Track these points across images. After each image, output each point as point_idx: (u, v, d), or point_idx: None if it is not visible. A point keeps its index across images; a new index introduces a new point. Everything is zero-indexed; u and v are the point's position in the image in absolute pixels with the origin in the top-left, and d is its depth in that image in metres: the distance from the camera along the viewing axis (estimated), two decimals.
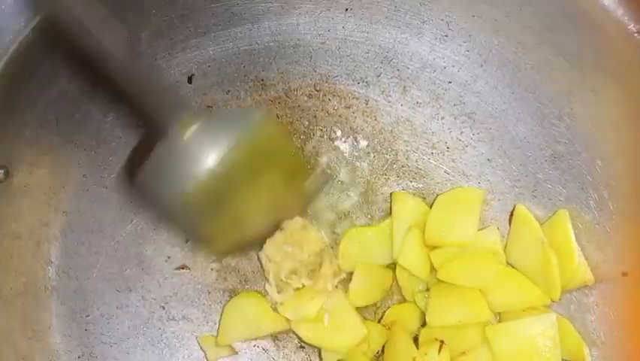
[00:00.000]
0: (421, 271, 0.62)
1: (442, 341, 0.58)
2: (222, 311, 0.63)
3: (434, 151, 0.66)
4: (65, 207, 0.62)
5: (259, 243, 0.62)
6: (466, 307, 0.59)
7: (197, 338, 0.63)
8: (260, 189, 0.54)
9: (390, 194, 0.65)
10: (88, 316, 0.62)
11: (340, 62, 0.65)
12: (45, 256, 0.61)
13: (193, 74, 0.64)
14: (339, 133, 0.66)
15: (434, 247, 0.62)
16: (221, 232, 0.55)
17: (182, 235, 0.63)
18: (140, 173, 0.50)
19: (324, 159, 0.66)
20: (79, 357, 0.61)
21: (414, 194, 0.65)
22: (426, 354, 0.58)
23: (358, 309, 0.62)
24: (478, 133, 0.65)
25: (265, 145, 0.52)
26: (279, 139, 0.56)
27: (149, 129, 0.55)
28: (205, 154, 0.48)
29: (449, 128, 0.65)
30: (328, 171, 0.64)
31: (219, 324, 0.63)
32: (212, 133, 0.49)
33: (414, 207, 0.64)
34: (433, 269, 0.62)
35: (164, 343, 0.63)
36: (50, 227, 0.61)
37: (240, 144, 0.49)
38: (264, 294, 0.63)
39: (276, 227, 0.62)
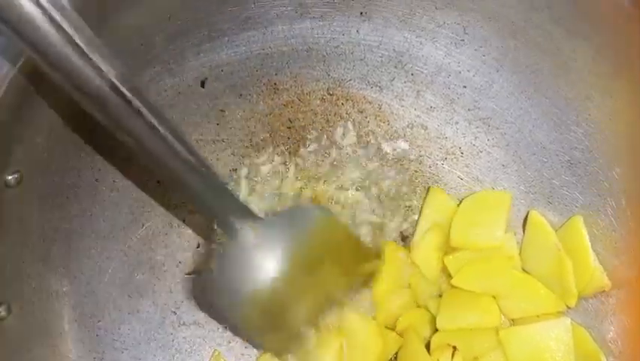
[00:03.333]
0: (429, 270, 0.61)
1: (454, 347, 0.58)
2: None
3: (448, 156, 0.65)
4: (77, 212, 0.61)
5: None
6: (477, 311, 0.59)
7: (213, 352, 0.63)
8: (318, 282, 0.55)
9: (429, 187, 0.65)
10: (99, 321, 0.62)
11: (354, 66, 0.65)
12: (57, 260, 0.61)
13: (206, 78, 0.63)
14: (352, 138, 0.65)
15: (454, 249, 0.61)
16: (283, 334, 0.57)
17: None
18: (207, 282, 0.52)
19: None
20: None
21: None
22: (439, 360, 0.58)
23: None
24: (493, 138, 0.64)
25: (322, 238, 0.53)
26: (336, 231, 0.57)
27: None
28: (263, 262, 0.50)
29: (463, 134, 0.65)
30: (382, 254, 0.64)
31: None
32: (270, 238, 0.50)
33: (445, 206, 0.63)
34: (446, 275, 0.62)
35: (176, 348, 0.63)
36: (62, 232, 0.61)
37: (299, 241, 0.51)
38: None
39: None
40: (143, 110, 0.40)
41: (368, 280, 0.62)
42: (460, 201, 0.63)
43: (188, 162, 0.44)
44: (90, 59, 0.36)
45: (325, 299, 0.59)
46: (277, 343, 0.59)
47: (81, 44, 0.36)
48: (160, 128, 0.41)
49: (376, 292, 0.62)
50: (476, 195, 0.64)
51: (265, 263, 0.50)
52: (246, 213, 0.51)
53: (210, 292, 0.53)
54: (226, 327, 0.63)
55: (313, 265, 0.53)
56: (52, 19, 0.35)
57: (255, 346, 0.63)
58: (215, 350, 0.63)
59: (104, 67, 0.37)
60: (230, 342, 0.64)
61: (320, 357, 0.60)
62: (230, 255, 0.51)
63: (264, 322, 0.54)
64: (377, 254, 0.63)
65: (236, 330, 0.62)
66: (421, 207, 0.64)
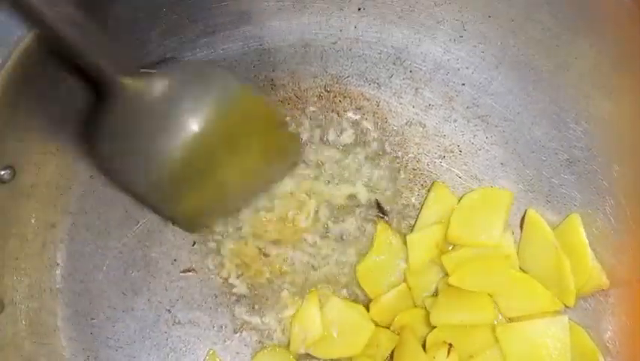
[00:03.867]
0: (426, 268, 0.61)
1: (450, 344, 0.58)
2: None
3: (446, 154, 0.65)
4: (71, 209, 0.61)
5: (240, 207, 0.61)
6: (472, 308, 0.59)
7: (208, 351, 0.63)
8: (241, 155, 0.51)
9: (433, 182, 0.64)
10: (93, 319, 0.61)
11: (352, 62, 0.64)
12: (51, 257, 0.60)
13: None
14: (349, 135, 0.65)
15: (454, 245, 0.61)
16: (202, 203, 0.52)
17: (156, 212, 0.61)
18: (99, 137, 0.46)
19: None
20: None
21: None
22: (434, 358, 0.57)
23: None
24: (491, 136, 0.64)
25: (244, 108, 0.50)
26: (256, 103, 0.54)
27: (101, 87, 0.50)
28: (187, 115, 0.44)
29: (462, 131, 0.65)
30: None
31: None
32: (191, 91, 0.45)
33: (447, 202, 0.63)
34: (443, 273, 0.61)
35: (170, 347, 0.62)
36: (56, 228, 0.60)
37: (221, 107, 0.46)
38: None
39: (260, 191, 0.60)
40: None
41: (289, 168, 0.62)
42: (461, 198, 0.63)
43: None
44: None
45: (243, 176, 0.55)
46: (188, 216, 0.55)
47: None
48: None
49: (360, 268, 0.63)
50: (477, 191, 0.63)
51: (179, 120, 0.44)
52: (130, 66, 0.46)
53: (108, 151, 0.47)
54: (222, 326, 0.63)
55: (232, 134, 0.49)
56: None
57: (162, 217, 0.61)
58: (210, 349, 0.63)
59: None
60: (225, 341, 0.63)
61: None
62: (128, 111, 0.45)
63: (174, 189, 0.49)
64: (296, 139, 0.61)
65: (138, 196, 0.58)
66: (423, 202, 0.64)
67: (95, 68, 0.46)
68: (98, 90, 0.49)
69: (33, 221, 0.58)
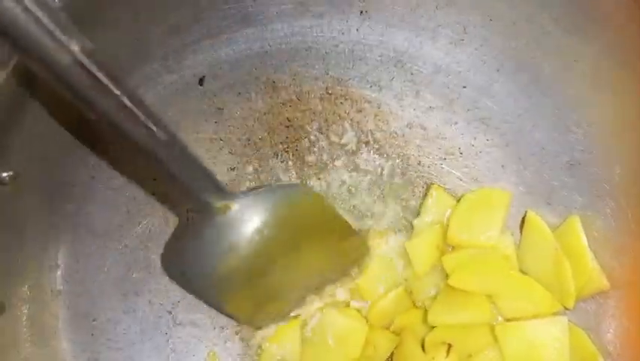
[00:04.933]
0: (426, 269, 0.61)
1: (449, 345, 0.58)
2: None
3: (447, 156, 0.65)
4: (72, 210, 0.61)
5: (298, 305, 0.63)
6: (469, 308, 0.59)
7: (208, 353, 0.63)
8: (300, 260, 0.54)
9: (429, 185, 0.64)
10: (94, 321, 0.61)
11: (353, 65, 0.64)
12: (52, 259, 0.60)
13: (204, 76, 0.63)
14: (350, 137, 0.65)
15: (453, 247, 0.61)
16: (258, 304, 0.56)
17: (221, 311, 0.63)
18: (176, 255, 0.52)
19: (338, 165, 0.65)
20: None
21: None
22: (433, 358, 0.58)
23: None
24: (492, 139, 0.64)
25: (305, 216, 0.53)
26: (320, 210, 0.56)
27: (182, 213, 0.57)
28: (244, 227, 0.49)
29: (462, 134, 0.65)
30: (369, 243, 0.63)
31: None
32: (251, 208, 0.50)
33: (445, 203, 0.63)
34: (443, 274, 0.61)
35: (171, 348, 0.62)
36: (57, 230, 0.60)
37: (278, 217, 0.50)
38: None
39: (318, 290, 0.62)
40: (108, 83, 0.38)
41: (351, 266, 0.62)
42: (460, 199, 0.63)
43: (155, 134, 0.42)
44: (53, 34, 0.35)
45: (306, 280, 0.58)
46: (252, 317, 0.59)
47: (43, 19, 0.34)
48: (126, 101, 0.39)
49: (363, 280, 0.63)
50: (476, 192, 0.63)
51: (241, 238, 0.49)
52: (221, 189, 0.50)
53: (182, 260, 0.52)
54: (223, 327, 0.63)
55: (293, 243, 0.52)
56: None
57: (229, 317, 0.63)
58: (211, 351, 0.63)
59: (68, 41, 0.36)
60: (226, 342, 0.63)
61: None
62: (207, 228, 0.50)
63: (238, 295, 0.54)
64: (363, 241, 0.62)
65: (206, 301, 0.62)
66: (420, 205, 0.64)
67: (189, 192, 0.48)
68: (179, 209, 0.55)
69: (34, 223, 0.58)
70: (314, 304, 0.62)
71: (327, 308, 0.62)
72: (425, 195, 0.64)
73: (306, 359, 0.61)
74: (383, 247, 0.63)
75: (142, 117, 0.41)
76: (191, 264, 0.53)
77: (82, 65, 0.36)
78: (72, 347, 0.60)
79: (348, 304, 0.63)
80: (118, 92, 0.39)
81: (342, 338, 0.60)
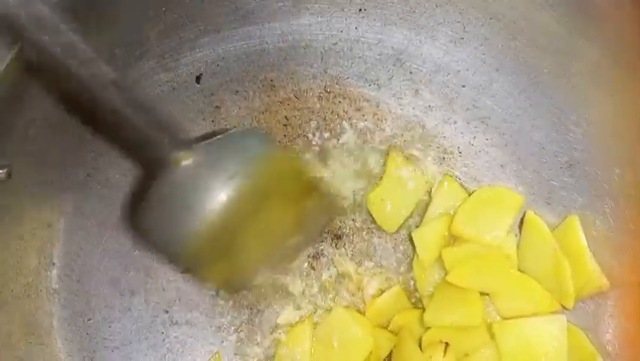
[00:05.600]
0: (429, 259, 0.61)
1: (446, 343, 0.58)
2: None
3: (446, 156, 0.65)
4: (68, 208, 0.61)
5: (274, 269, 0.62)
6: (461, 309, 0.59)
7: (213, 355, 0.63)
8: (271, 218, 0.52)
9: (443, 176, 0.64)
10: (90, 319, 0.61)
11: (352, 63, 0.64)
12: (47, 257, 0.60)
13: (201, 74, 0.63)
14: (349, 136, 0.65)
15: (456, 238, 0.61)
16: (232, 268, 0.54)
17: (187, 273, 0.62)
18: (139, 214, 0.48)
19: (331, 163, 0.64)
20: None
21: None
22: (431, 357, 0.58)
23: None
24: (491, 138, 0.64)
25: (273, 172, 0.51)
26: (287, 164, 0.55)
27: (144, 164, 0.54)
28: (211, 189, 0.46)
29: (462, 133, 0.64)
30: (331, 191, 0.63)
31: None
32: (216, 165, 0.47)
33: (456, 195, 0.63)
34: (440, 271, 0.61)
35: (167, 348, 0.62)
36: (53, 228, 0.60)
37: (246, 174, 0.47)
38: None
39: (295, 253, 0.61)
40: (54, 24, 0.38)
41: (323, 227, 0.62)
42: (472, 193, 0.63)
43: (101, 73, 0.41)
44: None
45: (275, 239, 0.56)
46: (222, 278, 0.57)
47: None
48: (69, 39, 0.39)
49: (372, 195, 0.63)
50: (489, 189, 0.63)
51: (207, 193, 0.46)
52: (180, 140, 0.47)
53: (148, 222, 0.49)
54: (220, 327, 0.63)
55: (262, 199, 0.50)
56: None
57: (199, 279, 0.62)
58: (217, 352, 0.62)
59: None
60: (223, 342, 0.63)
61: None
62: (168, 184, 0.47)
63: (208, 256, 0.50)
64: (332, 200, 0.61)
65: (177, 263, 0.59)
66: (432, 195, 0.63)
67: (145, 142, 0.46)
68: (141, 161, 0.52)
69: (29, 221, 0.58)
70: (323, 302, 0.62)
71: (336, 309, 0.62)
72: (438, 185, 0.64)
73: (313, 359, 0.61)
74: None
75: (86, 55, 0.40)
76: (153, 226, 0.49)
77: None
78: (67, 346, 0.60)
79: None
80: (61, 30, 0.38)
81: (348, 342, 0.60)
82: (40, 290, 0.59)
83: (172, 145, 0.46)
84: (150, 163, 0.48)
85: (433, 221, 0.62)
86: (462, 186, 0.64)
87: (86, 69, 0.40)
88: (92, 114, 0.46)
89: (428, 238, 0.61)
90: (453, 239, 0.62)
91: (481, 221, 0.60)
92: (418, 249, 0.62)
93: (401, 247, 0.64)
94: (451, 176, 0.64)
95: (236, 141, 0.51)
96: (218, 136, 0.51)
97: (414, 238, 0.62)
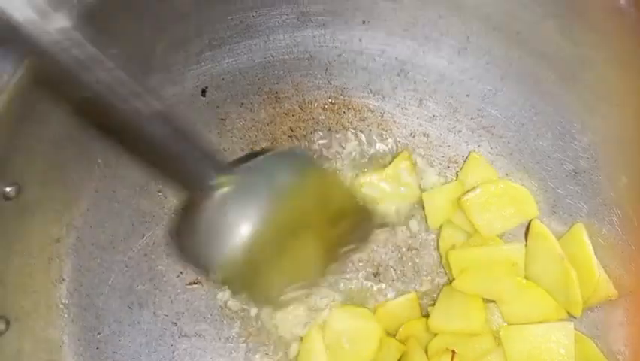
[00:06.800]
0: (434, 218, 0.63)
1: (453, 351, 0.58)
2: None
3: (451, 165, 0.65)
4: (76, 223, 0.61)
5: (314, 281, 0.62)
6: (464, 316, 0.59)
7: None
8: (309, 236, 0.53)
9: (469, 152, 0.65)
10: (99, 334, 0.61)
11: (356, 74, 0.64)
12: (56, 272, 0.60)
13: (207, 87, 0.63)
14: (354, 146, 0.65)
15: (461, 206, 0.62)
16: (271, 286, 0.55)
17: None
18: (185, 238, 0.51)
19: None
20: None
21: None
22: None
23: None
24: (496, 147, 0.64)
25: (310, 193, 0.52)
26: (325, 183, 0.55)
27: (184, 187, 0.55)
28: (240, 222, 0.47)
29: (466, 142, 0.65)
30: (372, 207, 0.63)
31: None
32: (253, 190, 0.48)
33: (484, 172, 0.63)
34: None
35: (176, 360, 0.62)
36: (62, 243, 0.60)
37: (282, 196, 0.49)
38: None
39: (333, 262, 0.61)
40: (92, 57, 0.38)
41: (360, 243, 0.62)
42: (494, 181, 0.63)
43: (149, 108, 0.41)
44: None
45: (314, 255, 0.56)
46: (263, 297, 0.58)
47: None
48: (111, 75, 0.39)
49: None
50: (512, 186, 0.63)
51: (243, 218, 0.47)
52: (219, 165, 0.48)
53: (193, 247, 0.50)
54: (228, 338, 0.63)
55: (298, 218, 0.51)
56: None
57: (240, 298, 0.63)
58: None
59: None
60: (232, 353, 0.63)
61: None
62: (205, 212, 0.48)
63: (246, 278, 0.51)
64: (370, 213, 0.61)
65: (220, 283, 0.61)
66: (459, 172, 0.64)
67: (190, 171, 0.47)
68: (181, 184, 0.52)
69: (38, 236, 0.58)
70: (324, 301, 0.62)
71: (342, 309, 0.62)
72: (464, 163, 0.65)
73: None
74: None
75: (129, 89, 0.40)
76: (198, 251, 0.51)
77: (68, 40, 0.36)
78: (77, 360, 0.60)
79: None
80: (104, 64, 0.38)
81: (357, 339, 0.60)
82: (50, 306, 0.59)
83: (214, 171, 0.47)
84: (192, 186, 0.49)
85: (444, 186, 0.63)
86: (489, 164, 0.64)
87: (130, 104, 0.40)
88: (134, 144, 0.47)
89: (437, 200, 0.62)
90: (467, 236, 0.62)
91: (494, 211, 0.61)
92: (426, 212, 0.63)
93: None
94: (476, 153, 0.64)
95: (273, 164, 0.52)
96: (257, 158, 0.52)
97: (423, 200, 0.63)
